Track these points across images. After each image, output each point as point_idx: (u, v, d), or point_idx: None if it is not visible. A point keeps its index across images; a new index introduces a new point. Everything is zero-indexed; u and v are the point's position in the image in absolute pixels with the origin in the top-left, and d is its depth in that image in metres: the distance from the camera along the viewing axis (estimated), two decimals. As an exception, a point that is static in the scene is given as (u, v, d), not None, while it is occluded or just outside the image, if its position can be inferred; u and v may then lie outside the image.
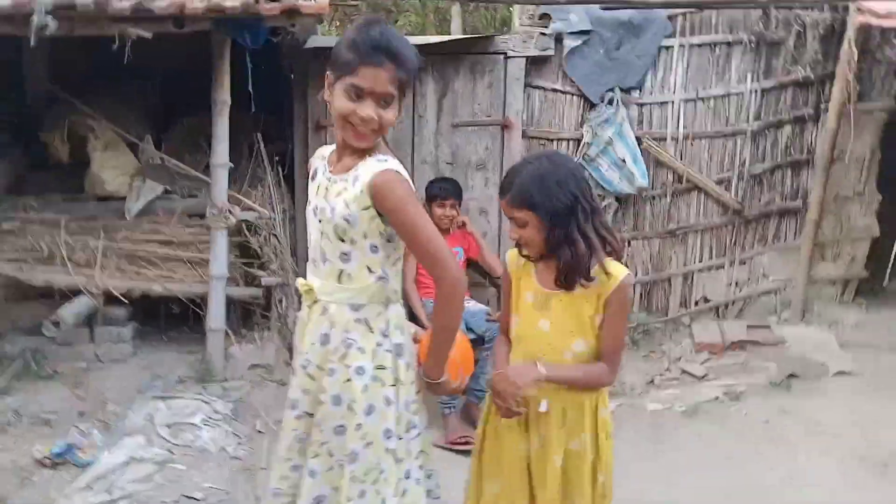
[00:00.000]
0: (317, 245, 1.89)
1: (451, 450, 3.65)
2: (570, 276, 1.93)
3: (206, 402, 3.79)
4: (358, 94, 1.72)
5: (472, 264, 4.33)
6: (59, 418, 3.70)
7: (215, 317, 4.11)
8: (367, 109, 1.73)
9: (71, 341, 4.15)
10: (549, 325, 2.01)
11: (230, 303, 4.25)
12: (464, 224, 4.27)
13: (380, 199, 1.75)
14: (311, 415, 1.90)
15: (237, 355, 4.15)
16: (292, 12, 3.62)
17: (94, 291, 4.05)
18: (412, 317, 3.87)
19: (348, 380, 1.82)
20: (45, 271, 4.08)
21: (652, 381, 4.54)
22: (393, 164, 1.80)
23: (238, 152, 4.54)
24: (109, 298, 4.14)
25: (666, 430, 4.02)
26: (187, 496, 3.22)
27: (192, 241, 4.29)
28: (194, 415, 3.70)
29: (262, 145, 4.54)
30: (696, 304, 5.08)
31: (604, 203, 4.75)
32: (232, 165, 4.15)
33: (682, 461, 3.71)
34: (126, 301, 4.12)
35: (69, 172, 4.82)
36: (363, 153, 1.82)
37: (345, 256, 1.83)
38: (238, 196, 4.28)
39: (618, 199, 4.76)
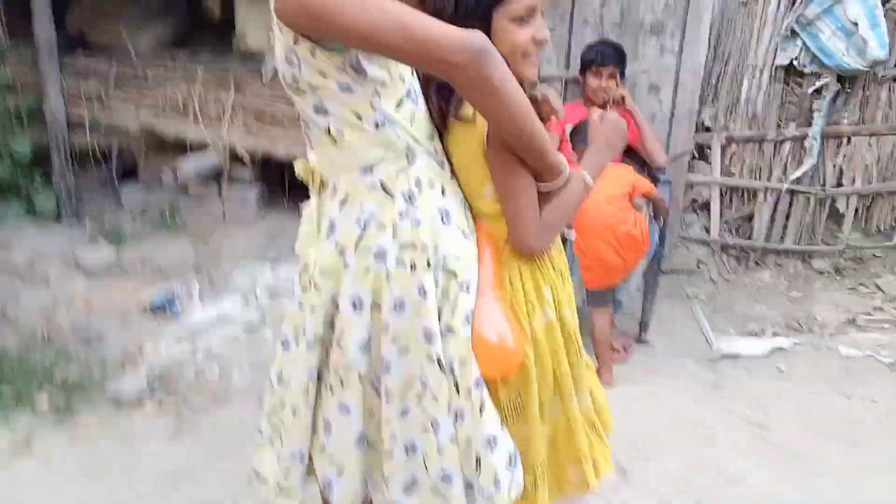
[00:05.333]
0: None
1: None
2: None
3: (311, 273, 3.56)
4: None
5: (629, 152, 3.52)
6: (175, 270, 3.70)
7: (333, 185, 3.81)
8: None
9: (202, 198, 4.13)
10: None
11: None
12: (622, 99, 3.43)
13: (296, 20, 1.21)
14: (321, 339, 1.41)
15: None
16: None
17: (219, 148, 3.93)
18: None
19: (367, 270, 1.33)
20: (178, 123, 4.03)
21: (853, 321, 3.52)
22: None
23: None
24: (236, 157, 4.02)
25: (861, 382, 3.08)
26: (266, 364, 3.04)
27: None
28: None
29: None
30: (938, 229, 3.84)
31: (820, 82, 3.63)
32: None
33: (874, 419, 2.80)
34: (249, 160, 3.96)
35: (229, 31, 4.76)
36: None
37: (319, 109, 1.31)
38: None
39: (840, 78, 3.61)
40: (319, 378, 1.43)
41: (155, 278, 3.64)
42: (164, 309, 3.32)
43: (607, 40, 3.51)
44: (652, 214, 3.07)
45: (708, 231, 3.98)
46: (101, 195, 4.36)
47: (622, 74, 3.35)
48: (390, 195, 1.33)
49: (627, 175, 3.02)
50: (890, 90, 3.67)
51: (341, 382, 1.39)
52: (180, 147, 4.14)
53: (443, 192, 1.38)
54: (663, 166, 3.42)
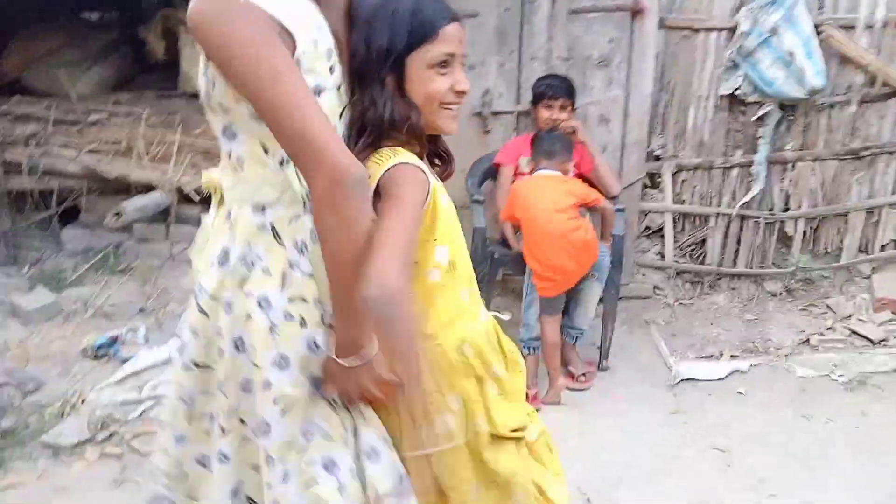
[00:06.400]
0: None
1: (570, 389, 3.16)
2: None
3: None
4: None
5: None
6: (120, 312, 3.56)
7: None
8: None
9: (149, 238, 4.01)
10: None
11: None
12: (574, 131, 3.44)
13: (199, 40, 1.15)
14: (200, 366, 1.33)
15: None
16: None
17: (166, 187, 3.83)
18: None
19: (248, 317, 1.23)
20: (121, 165, 3.92)
21: (807, 342, 3.55)
22: None
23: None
24: (184, 197, 3.92)
25: (817, 402, 3.09)
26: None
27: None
28: (249, 322, 3.38)
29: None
30: (883, 248, 3.92)
31: (763, 110, 3.74)
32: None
33: (836, 440, 2.80)
34: (197, 198, 3.87)
35: (175, 72, 4.70)
36: None
37: (228, 131, 1.24)
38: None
39: (782, 105, 3.72)
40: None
41: (98, 322, 3.49)
42: (106, 353, 3.16)
43: (557, 73, 3.55)
44: (600, 234, 3.13)
45: (663, 257, 4.00)
46: (41, 239, 4.19)
47: (573, 106, 3.40)
48: (280, 242, 1.24)
49: (575, 185, 3.07)
50: (829, 117, 3.79)
51: (222, 429, 1.30)
52: (125, 188, 4.04)
53: None
54: (617, 195, 3.45)
